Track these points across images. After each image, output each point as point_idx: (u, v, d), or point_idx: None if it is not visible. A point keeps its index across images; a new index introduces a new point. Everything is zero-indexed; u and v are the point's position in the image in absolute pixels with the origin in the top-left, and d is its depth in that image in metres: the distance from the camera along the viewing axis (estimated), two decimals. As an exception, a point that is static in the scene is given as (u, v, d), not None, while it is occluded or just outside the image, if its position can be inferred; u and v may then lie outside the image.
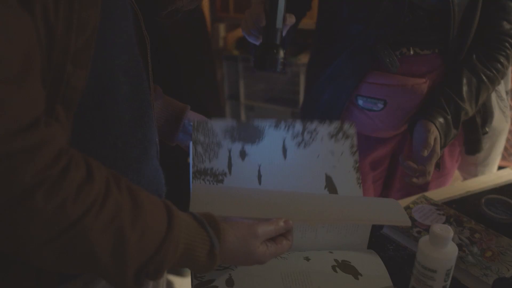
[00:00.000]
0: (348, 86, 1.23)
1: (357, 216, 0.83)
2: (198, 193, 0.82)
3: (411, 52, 1.18)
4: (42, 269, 0.60)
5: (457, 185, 1.26)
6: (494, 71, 1.18)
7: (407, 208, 1.05)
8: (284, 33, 0.99)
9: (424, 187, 1.35)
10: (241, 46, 2.61)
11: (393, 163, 1.37)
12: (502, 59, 1.19)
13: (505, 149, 2.34)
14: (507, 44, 1.19)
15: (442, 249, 0.72)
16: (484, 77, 1.17)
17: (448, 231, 0.71)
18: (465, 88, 1.16)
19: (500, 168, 1.50)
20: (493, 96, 1.40)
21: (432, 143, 1.08)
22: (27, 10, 0.49)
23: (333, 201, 0.89)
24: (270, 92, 2.49)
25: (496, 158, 1.63)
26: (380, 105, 1.21)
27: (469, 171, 1.57)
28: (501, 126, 1.50)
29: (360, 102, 1.24)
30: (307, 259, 0.86)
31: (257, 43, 1.05)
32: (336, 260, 0.87)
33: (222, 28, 2.65)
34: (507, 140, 2.32)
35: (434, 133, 1.10)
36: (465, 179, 1.58)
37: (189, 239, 0.61)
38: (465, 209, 1.10)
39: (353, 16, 1.20)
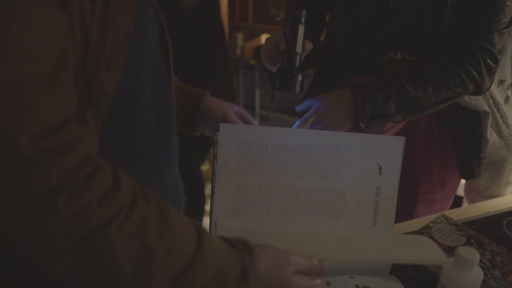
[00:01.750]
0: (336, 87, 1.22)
1: (394, 256, 0.82)
2: (221, 223, 0.80)
3: (399, 57, 1.17)
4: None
5: (476, 205, 1.24)
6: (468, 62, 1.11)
7: (426, 227, 1.03)
8: (302, 58, 1.04)
9: (410, 210, 1.34)
10: (258, 56, 2.61)
11: None
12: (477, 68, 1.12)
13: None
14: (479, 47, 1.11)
15: (468, 272, 0.70)
16: (444, 64, 1.12)
17: (474, 255, 0.70)
18: (411, 71, 1.13)
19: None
20: (491, 120, 1.29)
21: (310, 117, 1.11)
22: (64, 10, 0.48)
23: (367, 239, 0.87)
24: (285, 103, 2.49)
25: (499, 190, 1.46)
26: None
27: (473, 198, 1.49)
28: (501, 154, 1.36)
29: None
30: (328, 283, 0.85)
31: (275, 70, 1.09)
32: (357, 286, 0.85)
33: (240, 37, 2.65)
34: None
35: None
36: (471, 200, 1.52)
37: (220, 260, 0.58)
38: (485, 230, 1.07)
39: (340, 25, 1.23)
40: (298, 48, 1.02)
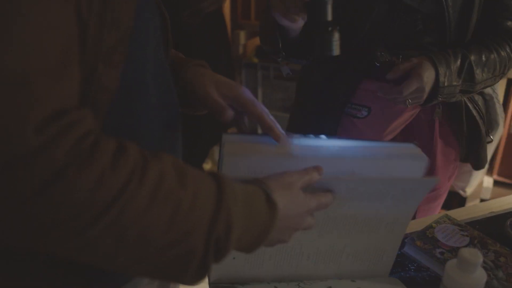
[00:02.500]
0: (343, 92, 1.18)
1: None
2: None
3: (399, 60, 1.13)
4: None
5: (480, 205, 1.23)
6: (505, 51, 1.14)
7: (429, 227, 1.02)
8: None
9: None
10: (261, 54, 2.60)
11: None
12: (510, 47, 1.15)
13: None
14: (510, 42, 1.15)
15: (471, 274, 0.69)
16: (493, 50, 1.13)
17: (477, 256, 0.69)
18: (474, 47, 1.12)
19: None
20: (497, 104, 1.33)
21: (403, 69, 1.05)
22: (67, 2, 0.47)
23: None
24: (289, 101, 2.47)
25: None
26: (364, 112, 1.17)
27: (462, 179, 1.50)
28: (499, 133, 1.45)
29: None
30: None
31: (295, 25, 0.92)
32: None
33: (242, 35, 2.64)
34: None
35: (425, 66, 1.04)
36: (456, 186, 1.53)
37: (244, 190, 0.57)
38: (489, 230, 1.06)
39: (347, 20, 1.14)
40: None
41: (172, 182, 0.50)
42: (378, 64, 1.11)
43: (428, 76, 1.05)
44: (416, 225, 1.06)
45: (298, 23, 0.95)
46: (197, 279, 0.54)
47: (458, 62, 1.09)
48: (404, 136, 1.24)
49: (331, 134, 1.16)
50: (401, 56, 1.12)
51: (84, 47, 0.50)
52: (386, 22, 1.11)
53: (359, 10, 1.12)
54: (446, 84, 1.07)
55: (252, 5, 2.65)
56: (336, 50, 0.85)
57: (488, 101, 1.28)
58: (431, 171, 1.30)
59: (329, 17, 0.83)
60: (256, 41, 2.65)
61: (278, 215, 0.59)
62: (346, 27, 1.00)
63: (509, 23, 1.15)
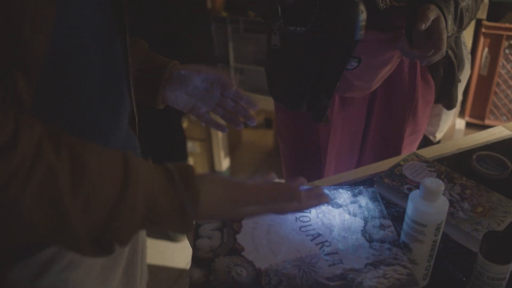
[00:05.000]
0: (343, 50, 1.13)
1: None
2: None
3: (399, 4, 1.09)
4: None
5: (448, 143, 1.25)
6: None
7: (397, 165, 1.04)
8: None
9: (397, 148, 1.34)
10: (230, 7, 2.54)
11: (366, 124, 1.35)
12: None
13: (496, 107, 2.33)
14: None
15: (433, 202, 0.70)
16: None
17: (439, 185, 0.70)
18: None
19: (490, 126, 1.48)
20: (463, 44, 1.34)
21: (430, 16, 0.98)
22: None
23: None
24: (260, 54, 2.44)
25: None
26: (354, 63, 1.15)
27: (432, 123, 1.52)
28: (466, 74, 1.44)
29: None
30: None
31: None
32: None
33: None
34: (499, 99, 2.31)
35: (435, 11, 1.00)
36: (426, 131, 1.55)
37: (151, 197, 0.55)
38: (456, 166, 1.09)
39: None
40: None
41: (63, 185, 0.48)
42: (383, 8, 1.06)
43: (444, 27, 1.02)
44: (386, 165, 1.07)
45: None
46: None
47: (453, 9, 1.07)
48: (390, 83, 1.24)
49: (329, 93, 1.16)
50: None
51: (8, 10, 0.47)
52: None
53: None
54: (450, 34, 1.06)
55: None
56: (359, 34, 0.92)
57: (457, 39, 1.28)
58: (413, 114, 1.31)
59: None
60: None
61: (191, 224, 0.59)
62: None
63: None
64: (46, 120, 0.51)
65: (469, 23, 1.17)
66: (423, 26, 0.96)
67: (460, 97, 1.61)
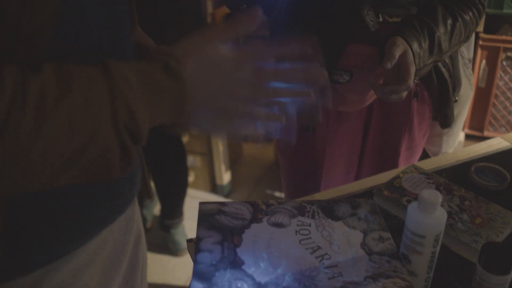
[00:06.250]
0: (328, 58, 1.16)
1: None
2: None
3: (380, 19, 1.12)
4: None
5: (447, 154, 1.26)
6: (468, 16, 1.17)
7: (396, 177, 1.04)
8: None
9: (395, 163, 1.35)
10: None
11: (364, 139, 1.35)
12: (473, 12, 1.17)
13: (495, 119, 2.34)
14: (472, 7, 1.18)
15: (431, 214, 0.71)
16: (458, 16, 1.15)
17: (436, 196, 0.71)
18: (440, 18, 1.12)
19: (489, 138, 1.49)
20: (460, 63, 1.37)
21: (396, 54, 1.01)
22: None
23: None
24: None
25: (460, 127, 1.62)
26: (347, 77, 1.15)
27: (434, 143, 1.53)
28: (466, 94, 1.48)
29: None
30: None
31: None
32: None
33: (209, 4, 2.60)
34: (497, 110, 2.32)
35: (401, 46, 1.03)
36: (430, 151, 1.57)
37: (137, 69, 0.54)
38: (455, 177, 1.09)
39: None
40: None
41: (55, 92, 0.47)
42: (371, 26, 1.09)
43: (411, 61, 1.05)
44: (384, 178, 1.08)
45: None
46: (125, 168, 0.55)
47: (427, 40, 1.09)
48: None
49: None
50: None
51: None
52: None
53: None
54: (420, 66, 1.09)
55: (218, -27, 2.61)
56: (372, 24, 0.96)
57: (453, 59, 1.30)
58: (409, 129, 1.32)
59: None
60: (224, 9, 2.62)
61: (184, 79, 0.56)
62: None
63: None
64: None
65: (459, 44, 1.20)
66: (389, 65, 1.00)
67: (464, 116, 1.64)
